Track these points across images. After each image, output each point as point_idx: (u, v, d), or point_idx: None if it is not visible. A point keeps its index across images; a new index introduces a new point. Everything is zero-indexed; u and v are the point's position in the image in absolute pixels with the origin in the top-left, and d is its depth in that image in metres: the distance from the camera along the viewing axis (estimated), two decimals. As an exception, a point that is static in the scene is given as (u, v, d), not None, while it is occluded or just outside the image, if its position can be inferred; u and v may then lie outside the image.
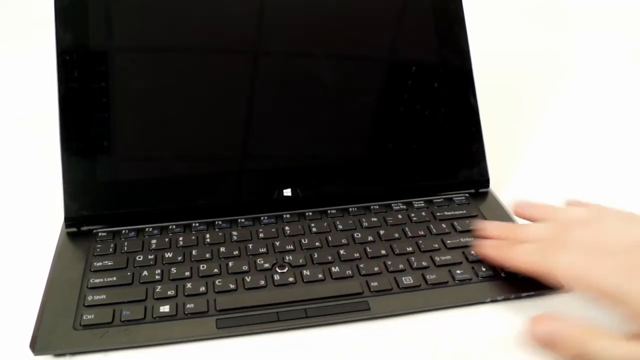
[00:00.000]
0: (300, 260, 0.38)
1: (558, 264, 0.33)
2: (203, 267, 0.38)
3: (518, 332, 0.33)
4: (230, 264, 0.38)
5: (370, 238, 0.40)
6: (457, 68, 0.46)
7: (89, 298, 0.35)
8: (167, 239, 0.40)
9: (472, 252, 0.39)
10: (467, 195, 0.45)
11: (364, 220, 0.42)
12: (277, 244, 0.40)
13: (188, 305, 0.35)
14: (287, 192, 0.43)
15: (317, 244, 0.40)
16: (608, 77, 0.68)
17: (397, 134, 0.45)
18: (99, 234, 0.41)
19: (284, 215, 0.42)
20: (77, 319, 0.34)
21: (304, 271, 0.37)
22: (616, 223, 0.35)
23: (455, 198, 0.45)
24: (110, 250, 0.39)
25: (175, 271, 0.37)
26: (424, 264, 0.38)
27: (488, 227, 0.39)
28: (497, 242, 0.38)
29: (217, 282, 0.36)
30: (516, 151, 0.53)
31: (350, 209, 0.43)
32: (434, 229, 0.41)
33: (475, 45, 0.46)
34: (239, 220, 0.42)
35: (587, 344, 0.30)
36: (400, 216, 0.43)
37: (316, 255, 0.39)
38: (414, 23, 0.46)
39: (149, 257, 0.38)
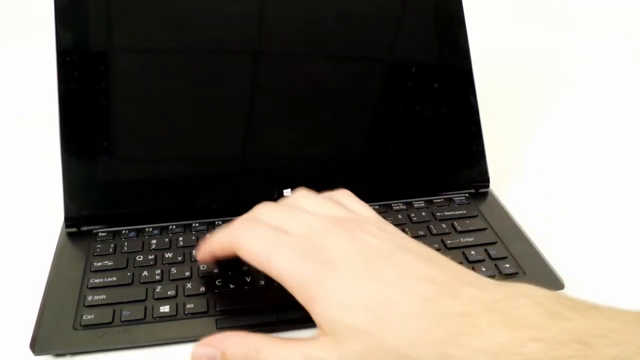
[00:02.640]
0: (300, 260, 0.38)
1: (241, 239, 0.31)
2: (203, 267, 0.38)
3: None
4: (230, 264, 0.38)
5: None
6: (457, 68, 0.46)
7: (89, 298, 0.35)
8: (167, 239, 0.40)
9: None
10: (467, 195, 0.45)
11: (364, 220, 0.42)
12: (277, 244, 0.40)
13: (188, 305, 0.35)
14: (287, 192, 0.43)
15: (317, 244, 0.40)
16: (608, 77, 0.68)
17: (397, 134, 0.45)
18: (99, 234, 0.41)
19: (284, 216, 0.42)
20: (77, 319, 0.34)
21: (304, 271, 0.37)
22: (311, 202, 0.33)
23: (455, 198, 0.45)
24: (110, 250, 0.39)
25: (175, 271, 0.37)
26: (424, 264, 0.38)
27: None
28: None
29: (217, 282, 0.36)
30: (516, 151, 0.53)
31: (350, 209, 0.43)
32: (434, 229, 0.41)
33: (475, 45, 0.46)
34: (239, 220, 0.42)
35: (253, 356, 0.28)
36: (400, 216, 0.43)
37: (316, 255, 0.38)
38: (414, 23, 0.47)
39: (149, 257, 0.38)
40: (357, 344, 0.26)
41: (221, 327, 0.34)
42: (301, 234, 0.30)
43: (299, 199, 0.34)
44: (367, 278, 0.27)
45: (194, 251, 0.39)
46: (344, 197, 0.35)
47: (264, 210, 0.33)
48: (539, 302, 0.25)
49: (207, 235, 0.35)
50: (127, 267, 0.38)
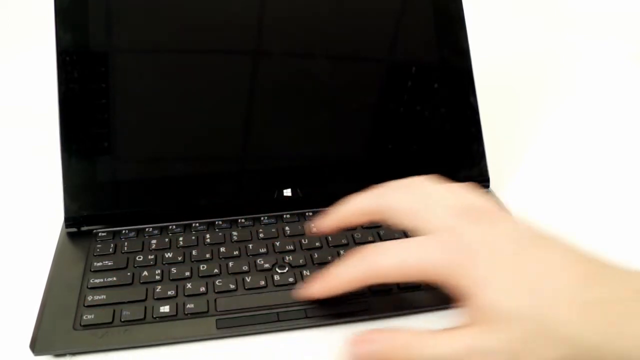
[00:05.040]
0: (301, 261, 0.38)
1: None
2: (203, 267, 0.38)
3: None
4: (231, 264, 0.38)
5: (370, 238, 0.40)
6: (457, 68, 0.46)
7: (89, 298, 0.35)
8: (167, 239, 0.40)
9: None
10: (467, 195, 0.45)
11: (364, 220, 0.42)
12: (277, 244, 0.40)
13: (188, 305, 0.35)
14: (287, 192, 0.43)
15: (317, 244, 0.40)
16: (607, 79, 0.68)
17: (397, 134, 0.45)
18: (99, 234, 0.41)
19: (284, 215, 0.42)
20: (77, 319, 0.34)
21: (304, 271, 0.37)
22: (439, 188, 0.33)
23: (455, 198, 0.45)
24: (110, 250, 0.39)
25: (175, 271, 0.37)
26: (424, 264, 0.38)
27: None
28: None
29: (217, 282, 0.36)
30: (516, 151, 0.53)
31: (350, 209, 0.43)
32: (434, 229, 0.41)
33: (475, 45, 0.46)
34: (239, 220, 0.42)
35: (412, 349, 0.27)
36: (400, 216, 0.42)
37: (316, 256, 0.39)
38: (414, 23, 0.47)
39: (149, 257, 0.38)
40: (519, 329, 0.26)
41: (221, 327, 0.34)
42: (441, 225, 0.30)
43: (426, 182, 0.34)
44: (523, 262, 0.27)
45: (194, 251, 0.39)
46: (464, 186, 0.34)
47: (393, 193, 0.33)
48: None
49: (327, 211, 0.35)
50: (127, 267, 0.38)
